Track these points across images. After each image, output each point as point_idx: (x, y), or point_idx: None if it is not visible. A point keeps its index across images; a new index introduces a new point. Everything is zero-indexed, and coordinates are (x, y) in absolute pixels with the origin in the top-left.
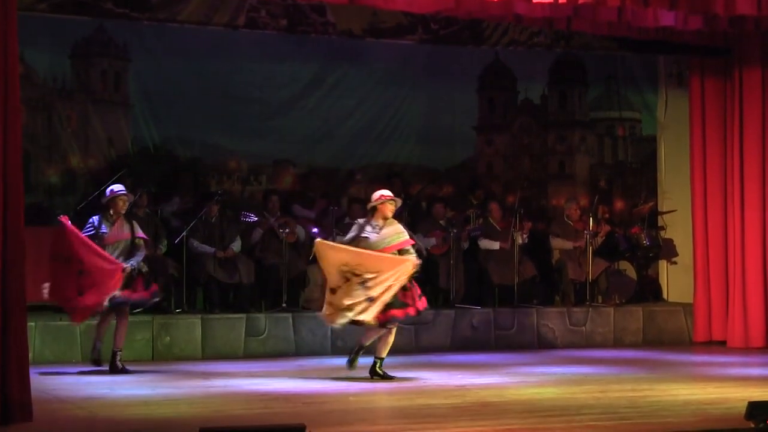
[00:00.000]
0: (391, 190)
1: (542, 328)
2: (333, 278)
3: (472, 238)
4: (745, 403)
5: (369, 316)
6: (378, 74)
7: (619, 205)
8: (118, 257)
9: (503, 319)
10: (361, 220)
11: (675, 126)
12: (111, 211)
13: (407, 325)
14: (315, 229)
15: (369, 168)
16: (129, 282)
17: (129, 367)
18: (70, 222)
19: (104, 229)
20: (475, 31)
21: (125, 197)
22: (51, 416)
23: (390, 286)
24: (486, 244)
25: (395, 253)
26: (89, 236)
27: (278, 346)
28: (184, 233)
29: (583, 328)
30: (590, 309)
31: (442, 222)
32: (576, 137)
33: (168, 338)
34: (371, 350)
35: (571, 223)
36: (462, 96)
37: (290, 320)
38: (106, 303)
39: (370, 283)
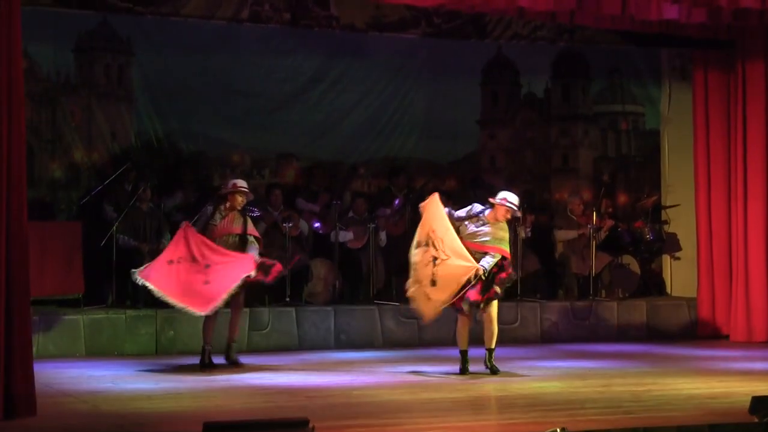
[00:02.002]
0: (395, 185)
1: (545, 322)
2: (420, 234)
3: None
4: (749, 398)
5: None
6: (381, 68)
7: (622, 199)
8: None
9: (506, 313)
10: (478, 207)
11: (678, 119)
12: (227, 204)
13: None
14: (318, 223)
15: (372, 162)
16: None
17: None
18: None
19: (216, 220)
20: (478, 25)
21: (245, 195)
22: (55, 410)
23: (450, 286)
24: None
25: (479, 252)
26: (201, 227)
27: (281, 340)
28: None
29: (587, 322)
30: (594, 303)
31: None
32: (579, 131)
33: (171, 332)
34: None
35: (575, 217)
36: (465, 90)
37: (293, 314)
38: (232, 291)
39: (437, 263)
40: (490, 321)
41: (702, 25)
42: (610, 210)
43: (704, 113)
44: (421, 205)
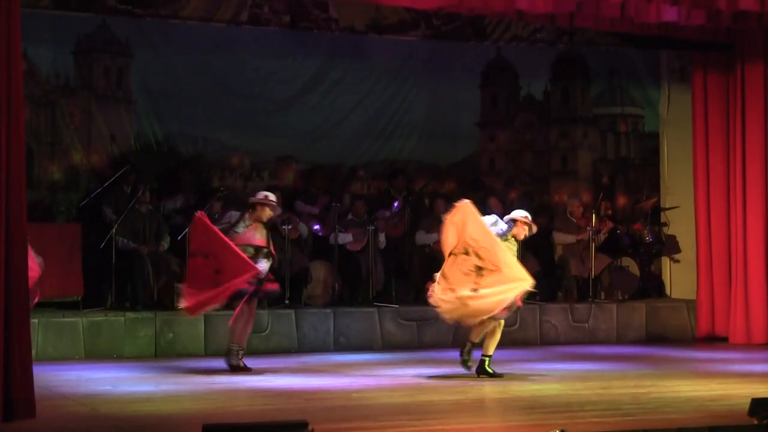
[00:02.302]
0: (393, 186)
1: (545, 324)
2: (452, 241)
3: None
4: (749, 400)
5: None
6: (380, 70)
7: (621, 201)
8: None
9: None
10: (503, 225)
11: (678, 122)
12: (254, 214)
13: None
14: (317, 226)
15: (371, 164)
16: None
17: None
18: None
19: (239, 228)
20: (477, 27)
21: (274, 209)
22: (54, 413)
23: (497, 294)
24: None
25: None
26: (221, 229)
27: (281, 343)
28: (187, 230)
29: (586, 324)
30: (593, 305)
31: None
32: (578, 133)
33: (171, 335)
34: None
35: (574, 220)
36: (464, 92)
37: (293, 317)
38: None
39: (484, 274)
40: (500, 327)
41: (701, 27)
42: (610, 212)
43: (703, 115)
44: (450, 215)
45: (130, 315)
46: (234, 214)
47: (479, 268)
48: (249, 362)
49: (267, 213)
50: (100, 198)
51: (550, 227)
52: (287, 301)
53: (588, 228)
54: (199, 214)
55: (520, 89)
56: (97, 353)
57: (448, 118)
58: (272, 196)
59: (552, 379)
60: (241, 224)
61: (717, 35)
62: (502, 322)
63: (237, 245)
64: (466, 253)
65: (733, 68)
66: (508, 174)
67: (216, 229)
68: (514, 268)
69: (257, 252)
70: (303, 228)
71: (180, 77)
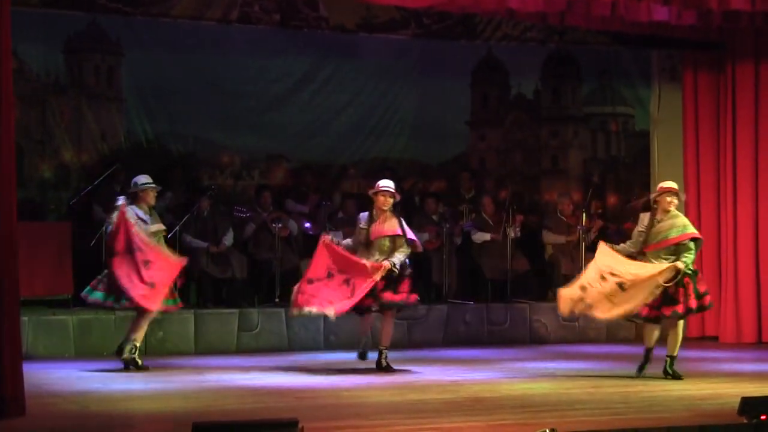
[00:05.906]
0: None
1: (535, 323)
2: (589, 274)
3: (465, 233)
4: (738, 399)
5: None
6: (371, 69)
7: (612, 200)
8: (380, 255)
9: (496, 315)
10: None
11: (668, 121)
12: (376, 206)
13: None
14: (307, 224)
15: (362, 163)
16: (391, 282)
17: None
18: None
19: (367, 224)
20: (468, 26)
21: (390, 195)
22: (44, 410)
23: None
24: (478, 236)
25: (670, 248)
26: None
27: (271, 341)
28: (177, 228)
29: (576, 323)
30: None
31: (434, 217)
32: (569, 132)
33: (161, 333)
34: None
35: (564, 218)
36: (455, 91)
37: (283, 315)
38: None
39: (626, 286)
40: (680, 326)
41: (692, 26)
42: (600, 211)
43: (694, 114)
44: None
45: (120, 313)
46: (363, 215)
47: (621, 284)
48: (238, 361)
49: (381, 201)
50: (90, 196)
51: (540, 226)
52: (277, 300)
53: (578, 227)
54: (322, 238)
55: (511, 88)
56: (87, 351)
57: (438, 116)
58: (384, 183)
59: (542, 378)
60: (370, 219)
61: (708, 34)
62: (683, 321)
63: (374, 239)
64: (603, 279)
65: (724, 67)
66: (499, 173)
67: (337, 248)
68: (651, 267)
69: (392, 242)
70: (293, 226)
71: (170, 76)
